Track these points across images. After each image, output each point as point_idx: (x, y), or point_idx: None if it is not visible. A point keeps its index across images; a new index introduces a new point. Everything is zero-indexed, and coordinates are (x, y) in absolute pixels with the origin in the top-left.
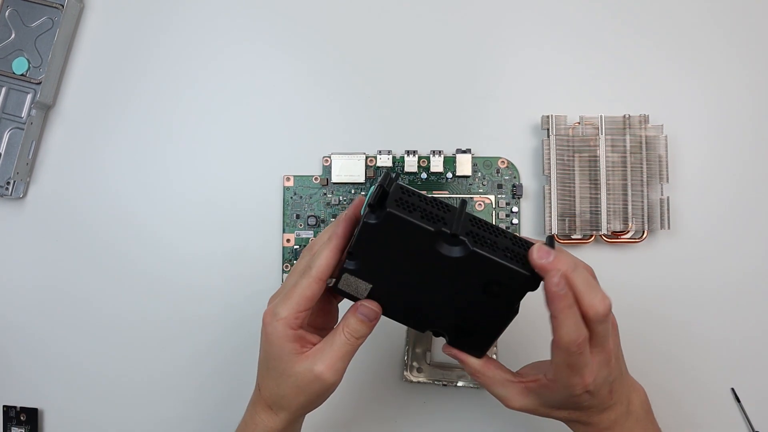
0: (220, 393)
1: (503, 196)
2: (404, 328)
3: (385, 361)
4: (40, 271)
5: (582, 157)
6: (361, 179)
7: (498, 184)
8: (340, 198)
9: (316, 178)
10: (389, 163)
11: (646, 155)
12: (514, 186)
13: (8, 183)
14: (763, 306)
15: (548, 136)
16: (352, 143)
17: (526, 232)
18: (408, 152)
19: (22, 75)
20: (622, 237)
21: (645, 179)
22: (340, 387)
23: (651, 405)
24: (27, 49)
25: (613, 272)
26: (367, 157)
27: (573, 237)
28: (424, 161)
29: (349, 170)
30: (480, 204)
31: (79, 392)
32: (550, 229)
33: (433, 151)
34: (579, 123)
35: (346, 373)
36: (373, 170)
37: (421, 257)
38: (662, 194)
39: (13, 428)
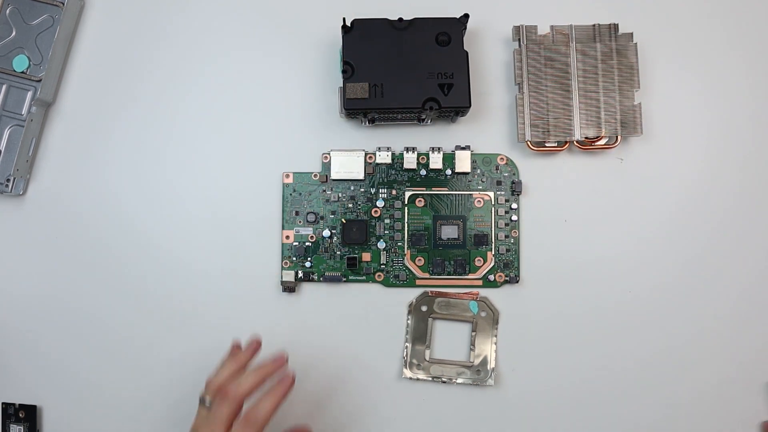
0: None
1: (502, 192)
2: (403, 325)
3: (384, 359)
4: (39, 268)
5: (554, 65)
6: (360, 176)
7: (497, 181)
8: (340, 194)
9: (315, 175)
10: (388, 160)
11: (617, 63)
12: (513, 183)
13: (8, 180)
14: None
15: (519, 46)
16: (352, 140)
17: (527, 229)
18: (407, 149)
19: (22, 72)
20: (595, 143)
21: (617, 85)
22: (340, 384)
23: None
24: (27, 46)
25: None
26: (366, 154)
27: (547, 145)
28: (423, 158)
29: (349, 167)
30: (479, 201)
31: (77, 389)
32: (524, 136)
33: (432, 148)
34: (550, 33)
35: (345, 371)
36: (372, 167)
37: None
38: (634, 101)
39: (11, 425)
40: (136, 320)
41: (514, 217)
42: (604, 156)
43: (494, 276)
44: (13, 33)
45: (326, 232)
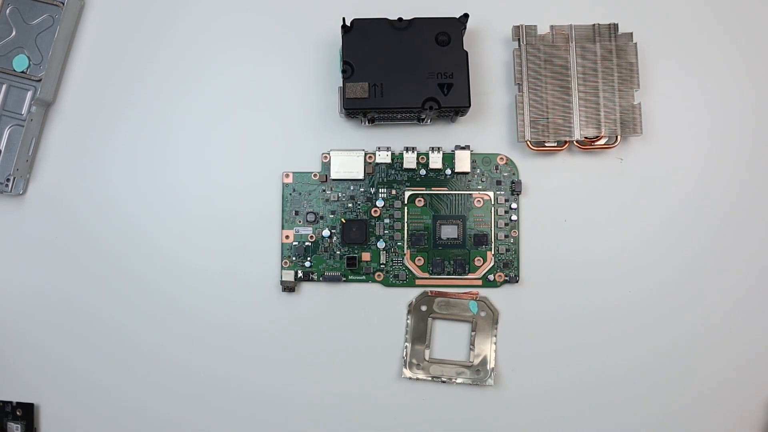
0: (214, 389)
1: (502, 192)
2: (403, 325)
3: (383, 359)
4: (39, 268)
5: (553, 65)
6: (360, 176)
7: (497, 181)
8: (339, 194)
9: (315, 175)
10: (388, 160)
11: (617, 62)
12: (513, 182)
13: (8, 180)
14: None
15: (519, 46)
16: (352, 140)
17: (527, 228)
18: (407, 149)
19: (22, 72)
20: (595, 143)
21: (616, 85)
22: (339, 384)
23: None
24: (27, 46)
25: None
26: (366, 154)
27: (547, 145)
28: (423, 158)
29: (349, 167)
30: (479, 200)
31: (75, 388)
32: (524, 136)
33: (432, 148)
34: (549, 33)
35: (345, 371)
36: (372, 167)
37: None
38: (634, 101)
39: (9, 423)
40: (135, 319)
41: (514, 217)
42: (604, 156)
43: (494, 276)
44: (13, 33)
45: (326, 232)
